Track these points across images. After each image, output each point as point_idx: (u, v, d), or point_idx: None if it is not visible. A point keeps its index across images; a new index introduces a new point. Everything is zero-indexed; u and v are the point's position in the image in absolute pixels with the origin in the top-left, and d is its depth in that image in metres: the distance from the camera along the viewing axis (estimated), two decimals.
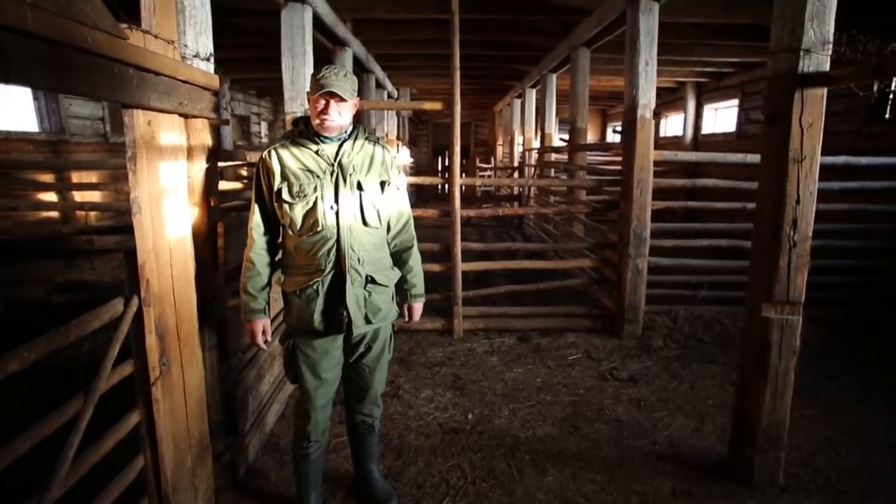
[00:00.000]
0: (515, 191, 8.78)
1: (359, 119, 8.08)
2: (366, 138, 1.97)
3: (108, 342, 1.63)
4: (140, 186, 1.66)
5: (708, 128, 9.67)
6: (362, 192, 1.89)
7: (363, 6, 4.54)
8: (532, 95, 8.76)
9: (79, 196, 5.12)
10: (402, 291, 2.14)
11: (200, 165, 2.05)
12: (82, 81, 1.31)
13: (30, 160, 4.61)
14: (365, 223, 1.91)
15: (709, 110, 9.58)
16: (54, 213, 4.96)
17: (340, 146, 1.89)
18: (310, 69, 3.60)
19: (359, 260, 1.90)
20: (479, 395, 3.30)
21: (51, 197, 4.95)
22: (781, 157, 2.00)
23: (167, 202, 1.81)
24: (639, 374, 3.57)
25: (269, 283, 1.99)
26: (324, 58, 3.42)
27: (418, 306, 2.18)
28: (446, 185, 4.12)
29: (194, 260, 2.03)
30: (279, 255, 2.04)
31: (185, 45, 1.91)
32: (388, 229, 2.04)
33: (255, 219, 1.93)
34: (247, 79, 9.32)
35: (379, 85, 7.60)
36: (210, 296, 2.15)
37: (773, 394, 2.11)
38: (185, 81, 1.82)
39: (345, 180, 1.86)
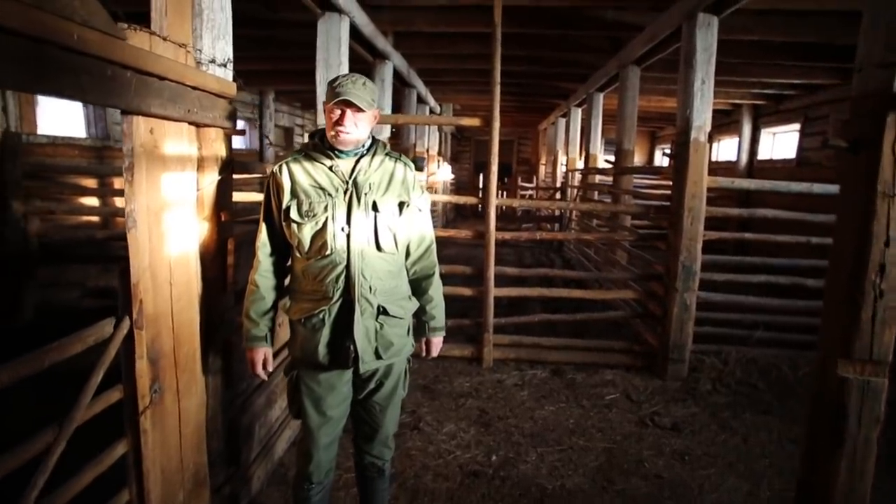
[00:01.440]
0: (556, 211, 8.50)
1: (398, 133, 8.03)
2: (386, 154, 1.79)
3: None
4: (137, 199, 1.52)
5: (764, 153, 9.15)
6: (377, 214, 1.71)
7: (403, 18, 4.44)
8: (578, 115, 8.49)
9: (120, 202, 5.18)
10: (419, 323, 1.94)
11: (212, 177, 1.92)
12: (66, 83, 1.18)
13: (69, 164, 4.68)
14: (379, 248, 1.72)
15: (766, 135, 9.06)
16: (95, 218, 5.02)
17: (357, 162, 1.72)
18: None
19: (370, 288, 1.71)
20: (506, 434, 3.05)
21: (93, 202, 5.02)
22: (868, 191, 1.70)
23: (169, 216, 1.68)
24: (683, 422, 3.23)
25: (273, 309, 1.82)
26: (363, 70, 3.27)
27: (437, 341, 1.97)
28: (471, 202, 3.94)
29: (201, 278, 1.90)
30: (288, 279, 1.88)
31: (200, 50, 1.78)
32: (408, 254, 1.86)
33: (262, 238, 1.78)
34: (291, 90, 9.43)
35: (420, 100, 7.51)
36: (216, 317, 2.01)
37: (849, 468, 1.79)
38: (195, 88, 1.69)
39: (359, 200, 1.69)
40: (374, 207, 1.71)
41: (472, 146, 17.19)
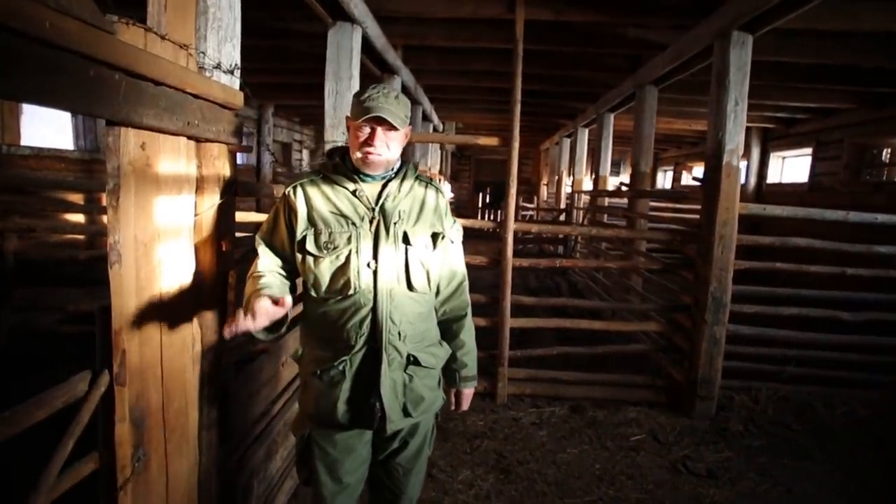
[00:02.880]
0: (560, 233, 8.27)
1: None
2: (416, 178, 1.54)
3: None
4: (124, 228, 1.26)
5: (773, 177, 9.01)
6: (409, 247, 1.45)
7: (417, 32, 4.22)
8: (584, 135, 8.32)
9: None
10: (448, 372, 1.67)
11: (213, 201, 1.65)
12: (35, 83, 0.92)
13: (54, 178, 4.40)
14: (410, 287, 1.46)
15: (774, 159, 8.93)
16: (81, 237, 4.71)
17: (384, 187, 1.47)
18: None
19: (399, 334, 1.44)
20: (528, 483, 2.77)
21: (79, 219, 4.72)
22: None
23: (162, 249, 1.41)
24: (719, 469, 2.96)
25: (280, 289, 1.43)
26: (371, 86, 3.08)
27: (469, 392, 1.71)
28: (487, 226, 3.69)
29: (197, 318, 1.62)
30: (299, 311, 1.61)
31: (204, 53, 1.53)
32: (437, 292, 1.60)
33: (260, 264, 1.50)
34: (291, 105, 9.20)
35: (426, 117, 7.30)
36: (213, 361, 1.72)
37: None
38: (196, 96, 1.43)
39: (387, 231, 1.43)
40: (405, 239, 1.45)
41: (471, 165, 17.02)
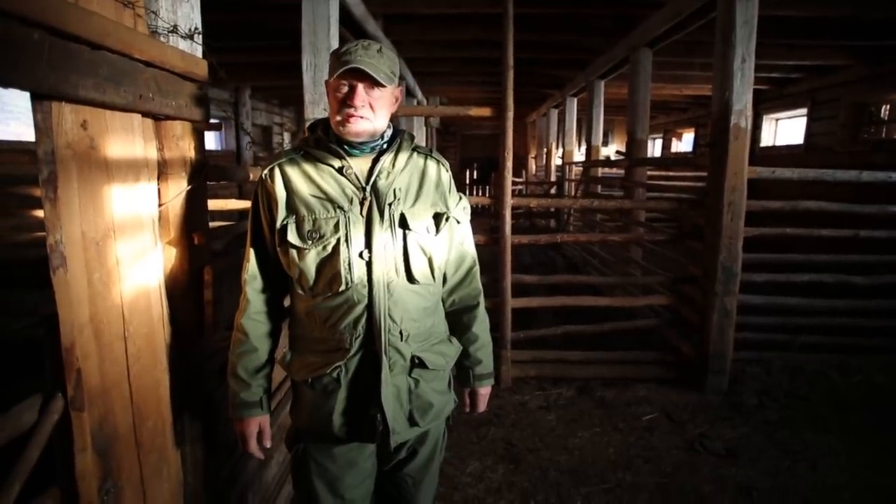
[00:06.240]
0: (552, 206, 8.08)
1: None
2: (413, 149, 1.33)
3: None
4: (67, 225, 1.04)
5: (767, 140, 8.83)
6: (407, 232, 1.25)
7: None
8: (574, 105, 8.08)
9: None
10: (461, 370, 1.49)
11: (179, 187, 1.44)
12: None
13: (18, 173, 4.09)
14: (411, 279, 1.26)
15: (767, 121, 8.75)
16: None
17: (376, 161, 1.26)
18: None
19: (401, 334, 1.25)
20: (540, 472, 2.63)
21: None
22: None
23: (121, 246, 1.20)
24: (738, 447, 2.84)
25: (269, 363, 1.36)
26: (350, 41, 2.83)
27: (485, 392, 1.52)
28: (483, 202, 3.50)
29: (169, 323, 1.42)
30: (287, 320, 1.42)
31: (155, 14, 1.30)
32: (444, 280, 1.40)
33: (251, 268, 1.31)
34: (269, 86, 8.83)
35: (409, 93, 7.02)
36: (192, 370, 1.53)
37: None
38: (149, 64, 1.20)
39: (381, 213, 1.23)
40: (403, 223, 1.25)
41: (457, 141, 16.68)
